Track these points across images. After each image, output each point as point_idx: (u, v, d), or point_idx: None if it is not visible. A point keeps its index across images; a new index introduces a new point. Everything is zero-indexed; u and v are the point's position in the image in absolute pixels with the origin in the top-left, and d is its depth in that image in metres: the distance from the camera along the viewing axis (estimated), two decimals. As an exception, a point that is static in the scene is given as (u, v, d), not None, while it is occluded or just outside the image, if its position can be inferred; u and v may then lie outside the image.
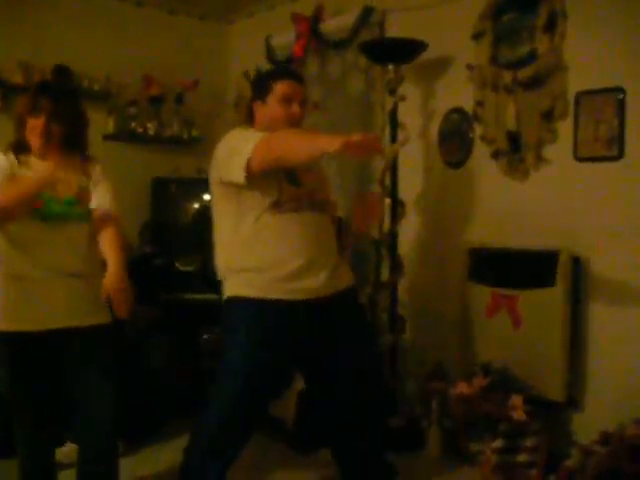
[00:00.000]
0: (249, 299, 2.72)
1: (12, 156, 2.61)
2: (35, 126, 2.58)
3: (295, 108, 2.74)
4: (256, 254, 2.71)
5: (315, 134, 2.55)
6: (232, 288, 2.78)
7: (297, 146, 2.48)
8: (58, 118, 2.59)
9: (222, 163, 2.63)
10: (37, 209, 2.55)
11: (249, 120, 2.88)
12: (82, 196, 2.64)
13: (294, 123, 2.75)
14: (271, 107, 2.75)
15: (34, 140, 2.59)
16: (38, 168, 2.59)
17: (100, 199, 2.68)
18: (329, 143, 2.28)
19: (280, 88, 2.73)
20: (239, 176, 2.51)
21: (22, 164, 2.61)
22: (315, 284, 2.73)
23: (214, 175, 2.72)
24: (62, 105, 2.61)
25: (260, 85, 2.82)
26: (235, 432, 2.79)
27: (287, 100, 2.73)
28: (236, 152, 2.55)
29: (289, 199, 2.70)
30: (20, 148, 2.63)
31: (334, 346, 2.88)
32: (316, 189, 2.80)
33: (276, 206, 2.69)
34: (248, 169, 2.49)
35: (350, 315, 2.90)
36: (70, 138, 2.66)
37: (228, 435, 2.78)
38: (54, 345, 2.62)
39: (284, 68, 3.04)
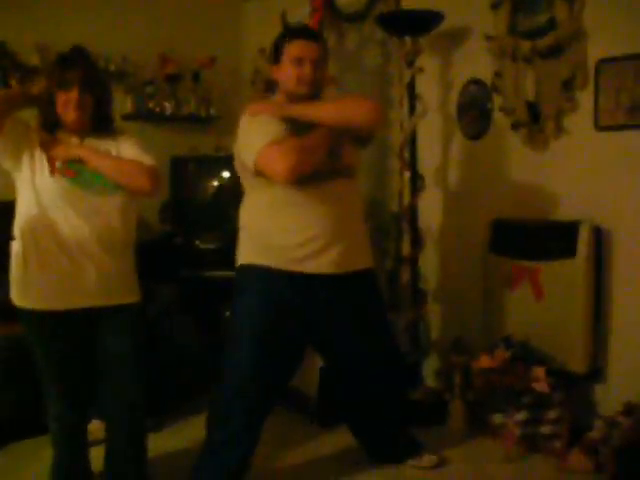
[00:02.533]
0: (252, 266, 2.76)
1: (35, 135, 2.62)
2: (69, 99, 2.57)
3: (306, 68, 2.71)
4: (270, 222, 2.72)
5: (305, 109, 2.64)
6: (243, 255, 2.82)
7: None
8: (90, 88, 2.59)
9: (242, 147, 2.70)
10: (73, 179, 2.57)
11: (269, 90, 2.88)
12: None
13: (305, 84, 2.72)
14: (284, 68, 2.74)
15: (70, 114, 2.59)
16: (67, 141, 2.62)
17: (130, 156, 2.69)
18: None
19: (291, 49, 2.72)
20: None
21: (49, 136, 2.62)
22: (326, 261, 2.73)
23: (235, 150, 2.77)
24: (90, 75, 2.61)
25: (275, 48, 2.81)
26: (245, 403, 2.80)
27: (298, 60, 2.71)
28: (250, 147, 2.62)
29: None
30: (51, 126, 2.63)
31: (344, 327, 2.89)
32: (335, 151, 2.76)
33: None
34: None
35: (362, 298, 2.91)
36: (101, 109, 2.66)
37: (238, 405, 2.79)
38: (85, 323, 2.65)
39: (297, 28, 3.01)
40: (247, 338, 2.77)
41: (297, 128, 2.64)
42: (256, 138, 2.59)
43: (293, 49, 2.72)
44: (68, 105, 2.57)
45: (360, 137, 2.89)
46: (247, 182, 2.81)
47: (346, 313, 2.89)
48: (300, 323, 2.82)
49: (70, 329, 2.64)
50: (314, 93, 2.77)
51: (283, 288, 2.74)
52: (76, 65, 2.60)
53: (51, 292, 2.58)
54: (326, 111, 2.67)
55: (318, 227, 2.71)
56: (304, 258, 2.71)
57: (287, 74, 2.73)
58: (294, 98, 2.74)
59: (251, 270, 2.78)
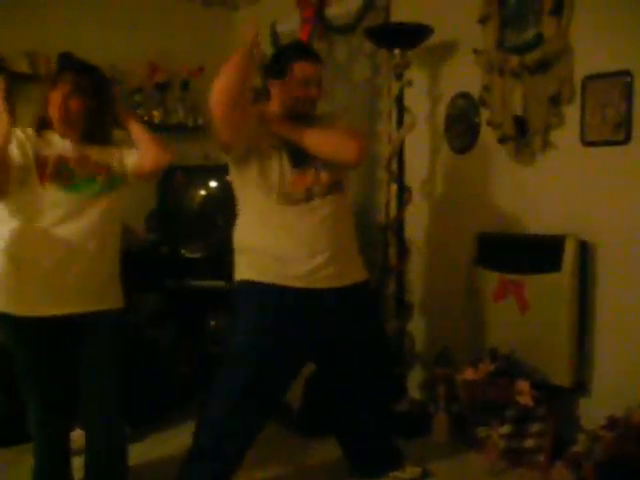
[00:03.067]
0: (251, 282, 2.75)
1: (31, 130, 2.61)
2: (55, 99, 2.58)
3: (313, 90, 2.76)
4: (260, 237, 2.73)
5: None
6: (238, 271, 2.82)
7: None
8: (79, 92, 2.58)
9: None
10: (68, 186, 2.56)
11: (262, 100, 2.89)
12: (101, 168, 2.65)
13: (311, 104, 2.78)
14: (290, 87, 2.76)
15: (54, 113, 2.59)
16: (58, 144, 2.61)
17: (134, 153, 2.71)
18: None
19: (300, 69, 2.75)
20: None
21: (41, 138, 2.61)
22: (323, 276, 2.74)
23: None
24: (82, 78, 2.61)
25: (279, 64, 2.82)
26: (241, 419, 2.80)
27: (306, 82, 2.75)
28: None
29: (294, 189, 2.70)
30: (42, 124, 2.63)
31: (343, 340, 2.90)
32: (325, 164, 2.78)
33: (283, 197, 2.70)
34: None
35: (354, 314, 2.92)
36: (91, 114, 2.63)
37: (234, 421, 2.79)
38: (67, 328, 2.62)
39: (302, 47, 3.04)
40: (249, 354, 2.77)
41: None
42: None
43: (302, 70, 2.75)
44: (54, 105, 2.58)
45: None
46: (242, 197, 2.83)
47: (345, 326, 2.90)
48: (301, 338, 2.82)
49: (52, 335, 2.62)
50: (313, 111, 2.83)
51: (282, 304, 2.75)
52: (70, 67, 2.64)
53: (33, 298, 2.57)
54: (313, 139, 2.73)
55: (314, 244, 2.74)
56: (303, 274, 2.73)
57: (292, 93, 2.75)
58: (291, 113, 2.78)
59: (250, 286, 2.78)
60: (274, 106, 2.83)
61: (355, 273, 2.91)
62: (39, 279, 2.55)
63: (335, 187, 2.82)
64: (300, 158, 2.74)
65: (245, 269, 2.81)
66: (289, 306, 2.75)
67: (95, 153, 2.66)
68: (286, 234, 2.74)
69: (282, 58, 2.82)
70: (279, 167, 2.71)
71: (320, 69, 2.82)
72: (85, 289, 2.61)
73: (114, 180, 2.67)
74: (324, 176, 2.77)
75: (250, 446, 2.86)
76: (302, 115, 2.79)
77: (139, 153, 2.68)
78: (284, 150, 2.73)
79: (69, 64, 2.71)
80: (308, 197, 2.73)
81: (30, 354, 2.65)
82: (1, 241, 2.57)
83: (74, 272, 2.57)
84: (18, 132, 2.59)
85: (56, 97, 2.58)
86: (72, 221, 2.57)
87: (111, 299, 2.70)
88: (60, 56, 4.24)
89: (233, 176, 2.85)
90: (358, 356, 2.98)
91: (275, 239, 2.74)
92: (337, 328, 2.89)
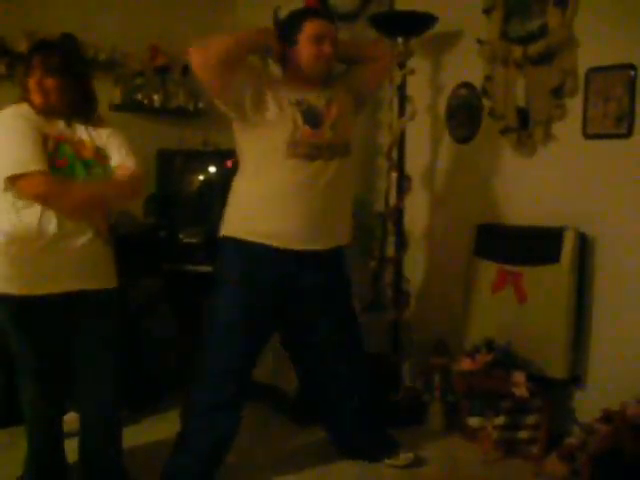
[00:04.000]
0: (243, 241, 2.77)
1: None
2: (32, 86, 2.57)
3: (327, 47, 2.74)
4: (264, 202, 2.74)
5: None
6: (231, 226, 2.84)
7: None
8: (51, 72, 2.57)
9: None
10: (61, 169, 2.55)
11: (280, 63, 2.87)
12: (100, 157, 2.65)
13: (326, 62, 2.77)
14: (302, 47, 2.75)
15: (34, 98, 2.58)
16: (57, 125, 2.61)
17: (117, 156, 2.69)
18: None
19: (310, 27, 2.74)
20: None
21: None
22: (313, 238, 2.75)
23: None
24: (53, 59, 2.59)
25: (290, 26, 2.81)
26: (227, 390, 2.82)
27: (319, 39, 2.74)
28: None
29: (304, 144, 2.70)
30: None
31: (317, 306, 2.95)
32: (338, 127, 2.79)
33: (291, 148, 2.70)
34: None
35: (336, 274, 2.98)
36: (70, 94, 2.62)
37: (220, 393, 2.82)
38: (63, 307, 2.63)
39: (313, 8, 3.05)
40: (221, 310, 2.85)
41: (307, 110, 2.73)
42: None
43: (314, 28, 2.75)
44: (33, 91, 2.58)
45: (362, 97, 2.99)
46: (245, 151, 2.82)
47: (321, 291, 2.91)
48: (280, 297, 2.84)
49: (48, 314, 2.62)
50: (328, 72, 2.83)
51: (268, 264, 2.76)
52: (39, 51, 2.62)
53: (29, 277, 2.56)
54: None
55: (312, 207, 2.74)
56: (293, 236, 2.75)
57: (306, 52, 2.74)
58: (306, 78, 2.78)
59: (236, 244, 2.79)
60: (291, 72, 2.83)
61: (342, 237, 2.93)
62: (35, 258, 2.54)
63: (344, 149, 2.84)
64: (314, 116, 2.74)
65: (236, 224, 2.82)
66: (277, 264, 2.77)
67: (89, 137, 2.66)
68: (289, 195, 2.73)
69: (293, 22, 2.83)
70: (292, 121, 2.70)
71: (332, 27, 2.81)
72: (80, 267, 2.61)
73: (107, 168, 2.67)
74: (333, 137, 2.77)
75: (236, 417, 2.88)
76: (318, 76, 2.79)
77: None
78: (298, 107, 2.72)
79: (35, 46, 2.69)
80: (314, 156, 2.73)
81: (27, 333, 2.65)
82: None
83: (70, 251, 2.57)
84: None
85: (32, 84, 2.57)
86: None
87: (106, 277, 2.70)
88: (61, 37, 4.25)
89: (237, 130, 2.83)
90: (334, 323, 3.00)
91: (275, 200, 2.73)
92: (316, 291, 2.92)
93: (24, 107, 2.59)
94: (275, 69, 3.03)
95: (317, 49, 2.73)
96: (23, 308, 2.59)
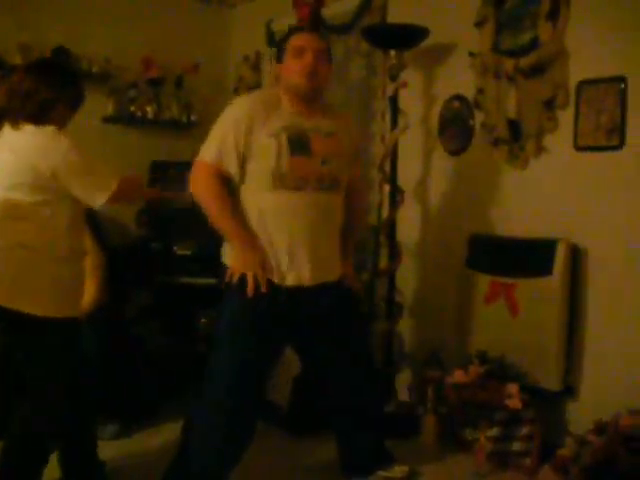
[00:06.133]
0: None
1: None
2: None
3: (307, 58, 2.70)
4: (256, 229, 2.71)
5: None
6: (225, 254, 2.81)
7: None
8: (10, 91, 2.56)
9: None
10: None
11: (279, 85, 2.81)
12: None
13: (306, 74, 2.70)
14: (287, 64, 2.74)
15: None
16: None
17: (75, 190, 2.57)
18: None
19: (292, 41, 2.74)
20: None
21: None
22: (296, 273, 2.72)
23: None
24: (14, 77, 2.59)
25: (279, 47, 2.85)
26: (233, 416, 2.76)
27: (299, 52, 2.71)
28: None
29: (292, 175, 2.67)
30: None
31: (321, 337, 2.89)
32: (329, 160, 2.75)
33: (277, 181, 2.67)
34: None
35: (338, 308, 2.91)
36: (22, 111, 2.55)
37: (226, 419, 2.76)
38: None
39: (299, 27, 3.05)
40: (229, 340, 2.75)
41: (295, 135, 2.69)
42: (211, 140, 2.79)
43: (294, 41, 2.74)
44: None
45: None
46: (240, 189, 2.75)
47: (324, 320, 2.89)
48: (273, 329, 2.79)
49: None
50: (316, 89, 2.75)
51: (265, 297, 2.72)
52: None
53: None
54: None
55: (302, 239, 2.71)
56: (286, 270, 2.71)
57: (289, 66, 2.72)
58: (296, 94, 2.73)
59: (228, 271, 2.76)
60: (281, 90, 2.78)
61: (334, 271, 2.89)
62: None
63: (332, 185, 2.78)
64: (299, 146, 2.70)
65: (228, 255, 2.79)
66: (272, 299, 2.71)
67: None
68: (278, 224, 2.69)
69: (281, 41, 2.87)
70: (277, 151, 2.66)
71: (317, 38, 2.76)
72: (16, 285, 2.52)
73: None
74: (323, 170, 2.73)
75: (243, 449, 2.83)
76: (307, 94, 2.73)
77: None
78: (283, 136, 2.68)
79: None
80: (300, 186, 2.68)
81: None
82: None
83: (11, 262, 2.51)
84: None
85: None
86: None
87: (31, 302, 2.53)
88: (55, 50, 4.27)
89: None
90: (343, 349, 2.96)
91: (267, 227, 2.69)
92: (318, 321, 2.88)
93: None
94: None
95: (298, 61, 2.70)
96: None
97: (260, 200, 2.69)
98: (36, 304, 2.52)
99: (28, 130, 2.52)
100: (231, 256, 2.76)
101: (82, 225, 2.70)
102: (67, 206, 2.56)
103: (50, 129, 2.52)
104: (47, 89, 2.57)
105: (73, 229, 2.61)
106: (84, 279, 2.78)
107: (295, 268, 2.71)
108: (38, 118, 2.53)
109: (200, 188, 2.74)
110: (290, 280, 2.72)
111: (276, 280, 2.71)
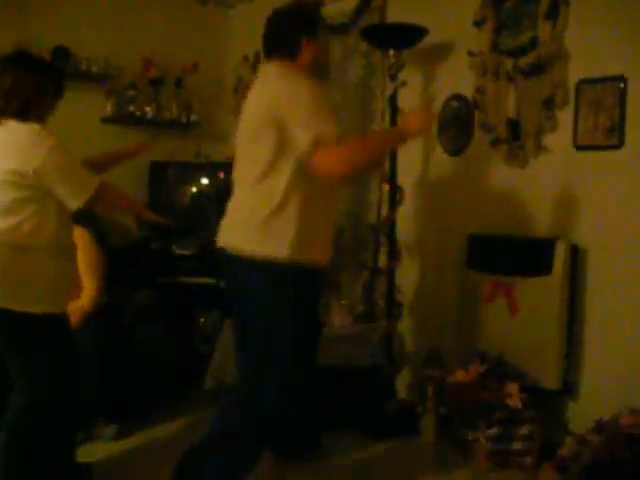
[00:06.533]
0: (302, 263, 2.53)
1: None
2: None
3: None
4: (317, 215, 2.52)
5: (382, 135, 2.80)
6: (287, 248, 2.50)
7: (379, 151, 2.70)
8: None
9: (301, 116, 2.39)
10: None
11: (287, 55, 2.59)
12: None
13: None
14: (319, 46, 2.61)
15: None
16: None
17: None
18: (402, 138, 2.60)
19: (323, 30, 2.67)
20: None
21: None
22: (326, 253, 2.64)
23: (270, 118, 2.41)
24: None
25: (312, 23, 2.64)
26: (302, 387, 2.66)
27: (327, 47, 2.69)
28: (315, 126, 2.35)
29: None
30: None
31: None
32: None
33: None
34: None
35: None
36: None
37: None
38: None
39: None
40: (292, 318, 2.54)
41: None
42: (318, 115, 2.38)
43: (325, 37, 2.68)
44: None
45: None
46: (286, 159, 2.43)
47: None
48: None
49: None
50: None
51: (314, 282, 2.63)
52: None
53: None
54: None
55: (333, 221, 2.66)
56: (325, 252, 2.61)
57: (319, 53, 2.60)
58: (316, 73, 2.60)
59: (295, 267, 2.50)
60: (301, 64, 2.57)
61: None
62: None
63: None
64: None
65: (294, 244, 2.46)
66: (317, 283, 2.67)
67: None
68: (328, 207, 2.60)
69: (315, 14, 2.72)
70: None
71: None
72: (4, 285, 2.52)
73: None
74: None
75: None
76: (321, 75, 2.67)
77: None
78: None
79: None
80: None
81: None
82: None
83: None
84: None
85: None
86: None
87: (22, 299, 2.54)
88: (54, 50, 4.27)
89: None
90: None
91: (323, 212, 2.56)
92: None
93: None
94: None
95: (327, 54, 2.72)
96: None
97: (317, 181, 2.49)
98: (23, 300, 2.52)
99: (12, 126, 2.52)
100: (290, 247, 2.46)
101: (69, 221, 2.68)
102: (53, 202, 2.54)
103: (35, 127, 2.51)
104: (29, 84, 2.55)
105: (59, 225, 2.59)
106: (72, 275, 2.77)
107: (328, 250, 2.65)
108: (21, 113, 2.53)
109: (346, 165, 2.42)
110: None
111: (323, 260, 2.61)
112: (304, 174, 2.41)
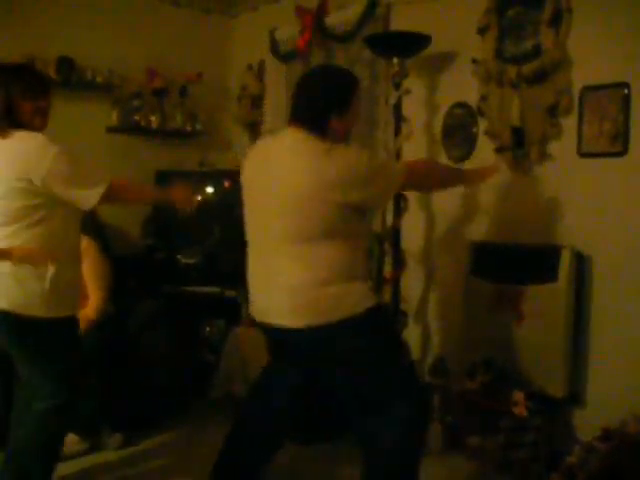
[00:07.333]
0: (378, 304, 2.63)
1: None
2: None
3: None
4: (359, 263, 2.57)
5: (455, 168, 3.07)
6: (364, 300, 2.55)
7: (447, 180, 2.87)
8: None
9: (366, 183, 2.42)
10: None
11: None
12: None
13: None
14: (349, 120, 2.55)
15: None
16: None
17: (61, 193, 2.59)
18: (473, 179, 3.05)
19: (357, 101, 2.56)
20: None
21: None
22: None
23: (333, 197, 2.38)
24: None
25: (344, 98, 2.52)
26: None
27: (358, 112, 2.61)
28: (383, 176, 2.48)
29: None
30: None
31: None
32: None
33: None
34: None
35: None
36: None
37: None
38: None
39: (354, 74, 2.75)
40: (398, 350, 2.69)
41: None
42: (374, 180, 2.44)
43: (357, 101, 2.58)
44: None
45: None
46: (337, 224, 2.44)
47: None
48: None
49: None
50: None
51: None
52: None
53: None
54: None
55: None
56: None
57: (348, 125, 2.55)
58: None
59: (377, 309, 2.58)
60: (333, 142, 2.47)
61: None
62: None
63: None
64: None
65: (364, 295, 2.53)
66: None
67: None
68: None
69: (347, 89, 2.55)
70: None
71: None
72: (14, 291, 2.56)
73: None
74: None
75: None
76: None
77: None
78: None
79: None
80: None
81: None
82: None
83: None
84: None
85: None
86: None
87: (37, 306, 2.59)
88: (59, 60, 4.28)
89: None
90: None
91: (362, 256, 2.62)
92: None
93: None
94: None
95: (355, 122, 2.65)
96: None
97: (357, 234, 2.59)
98: (31, 306, 2.55)
99: (17, 137, 2.55)
100: (366, 298, 2.52)
101: (78, 227, 2.71)
102: (60, 208, 2.58)
103: (40, 137, 2.55)
104: (29, 96, 2.60)
105: (68, 231, 2.63)
106: (80, 281, 2.79)
107: None
108: (10, 122, 2.56)
109: (426, 180, 2.76)
110: None
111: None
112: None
